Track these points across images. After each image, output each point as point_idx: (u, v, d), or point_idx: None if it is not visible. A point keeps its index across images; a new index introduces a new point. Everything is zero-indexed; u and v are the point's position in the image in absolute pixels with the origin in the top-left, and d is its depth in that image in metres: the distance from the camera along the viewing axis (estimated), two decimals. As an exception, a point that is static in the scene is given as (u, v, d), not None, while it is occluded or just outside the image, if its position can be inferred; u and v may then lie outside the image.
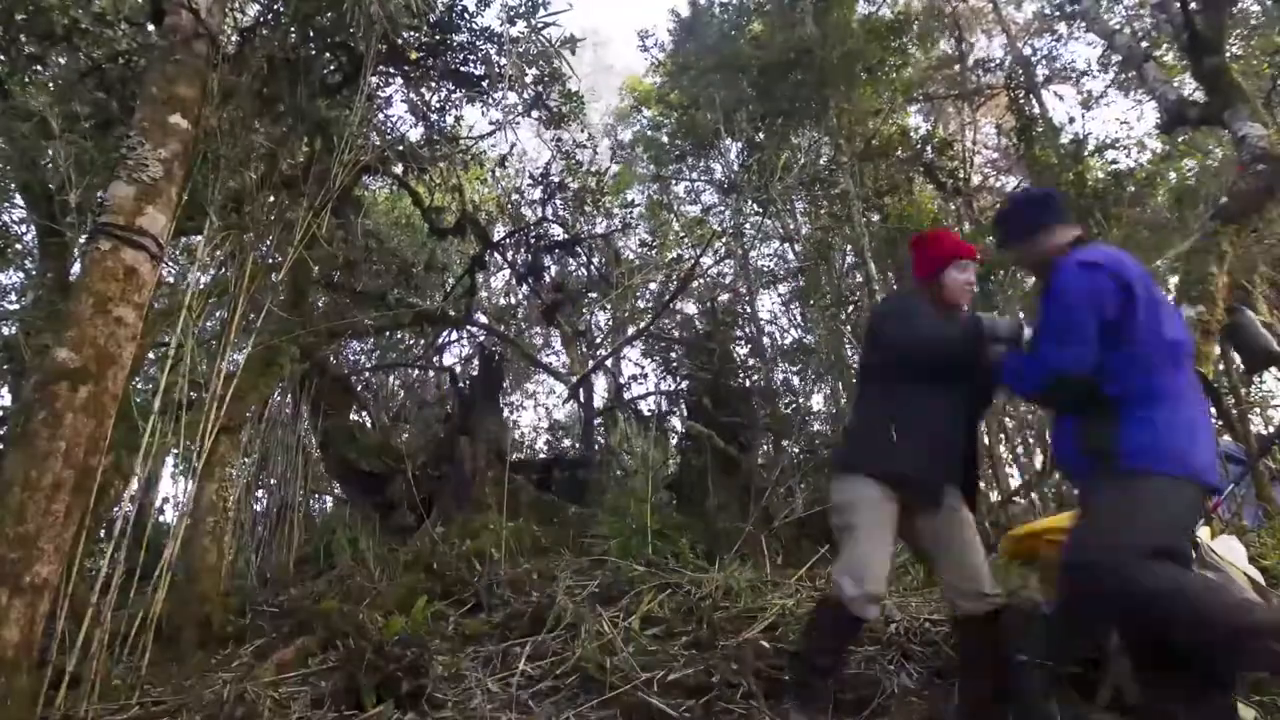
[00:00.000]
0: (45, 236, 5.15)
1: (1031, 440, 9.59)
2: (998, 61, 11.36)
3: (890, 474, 2.48)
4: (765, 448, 7.11)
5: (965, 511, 2.60)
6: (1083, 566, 2.07)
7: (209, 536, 4.40)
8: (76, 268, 5.05)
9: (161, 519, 7.37)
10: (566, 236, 8.07)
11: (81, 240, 4.21)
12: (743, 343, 9.04)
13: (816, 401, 9.04)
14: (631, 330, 9.18)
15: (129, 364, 2.98)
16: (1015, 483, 8.36)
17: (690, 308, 9.40)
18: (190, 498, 4.26)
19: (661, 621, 3.61)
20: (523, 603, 3.93)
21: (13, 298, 7.38)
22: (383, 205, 9.42)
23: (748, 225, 9.34)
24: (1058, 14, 10.63)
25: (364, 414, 8.34)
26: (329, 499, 8.56)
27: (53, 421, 2.63)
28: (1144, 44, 8.04)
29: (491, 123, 7.74)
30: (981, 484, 2.88)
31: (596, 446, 8.20)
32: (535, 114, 6.85)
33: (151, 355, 5.51)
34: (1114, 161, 9.18)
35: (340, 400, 7.06)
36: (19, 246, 6.54)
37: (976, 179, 10.97)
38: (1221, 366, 4.81)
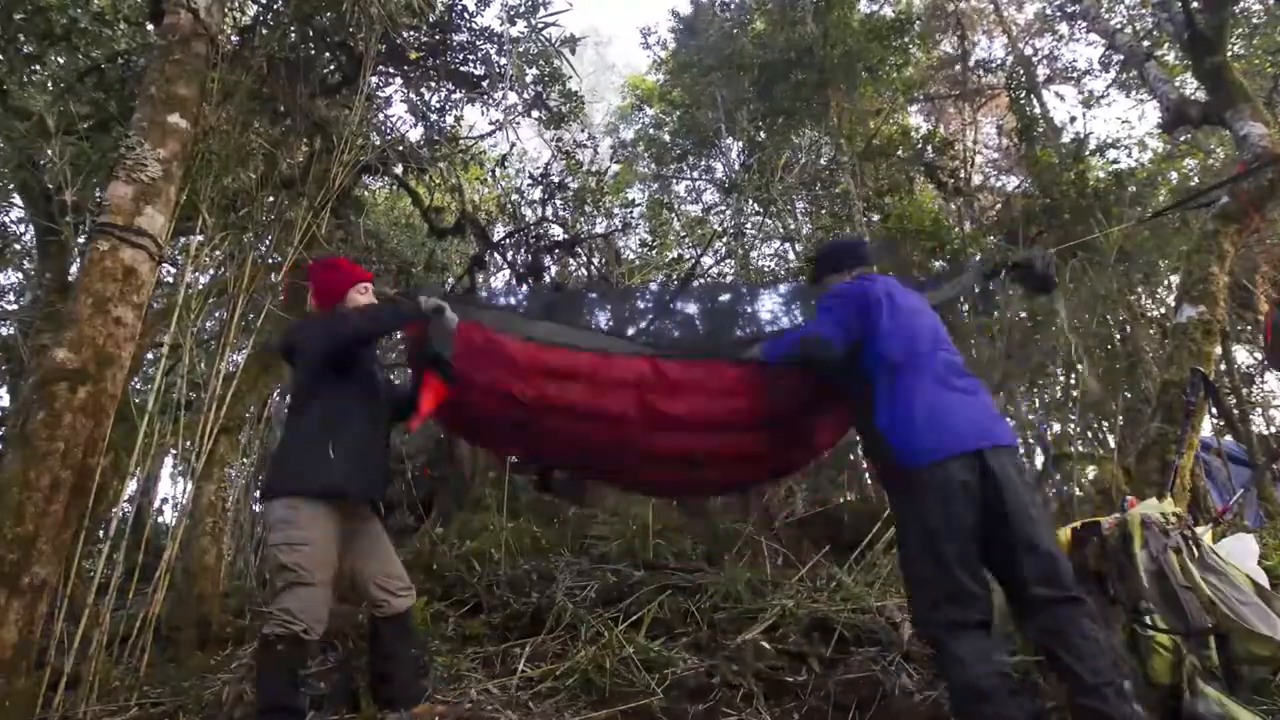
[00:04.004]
0: (44, 236, 5.15)
1: (1032, 440, 9.58)
2: (999, 61, 11.35)
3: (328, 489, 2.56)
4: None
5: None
6: None
7: (208, 537, 4.39)
8: (75, 268, 5.05)
9: (160, 519, 7.38)
10: (566, 236, 8.05)
11: (80, 240, 4.21)
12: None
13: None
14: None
15: (128, 364, 2.97)
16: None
17: (691, 307, 9.37)
18: (189, 498, 4.25)
19: (662, 622, 3.60)
20: (522, 604, 3.92)
21: (11, 298, 7.39)
22: (383, 205, 9.41)
23: (749, 225, 9.33)
24: (1059, 14, 10.62)
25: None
26: (329, 499, 8.53)
27: (51, 422, 2.63)
28: (1145, 43, 8.03)
29: (491, 123, 7.74)
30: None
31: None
32: (535, 114, 6.84)
33: (151, 355, 5.50)
34: (1115, 161, 9.18)
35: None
36: (18, 246, 6.54)
37: (977, 179, 10.96)
38: (1223, 366, 4.81)
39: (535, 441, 3.03)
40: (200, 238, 4.01)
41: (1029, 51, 11.34)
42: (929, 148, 9.54)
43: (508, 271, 8.32)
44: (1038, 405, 8.63)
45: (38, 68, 4.80)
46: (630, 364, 2.88)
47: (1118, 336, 7.64)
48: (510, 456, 3.17)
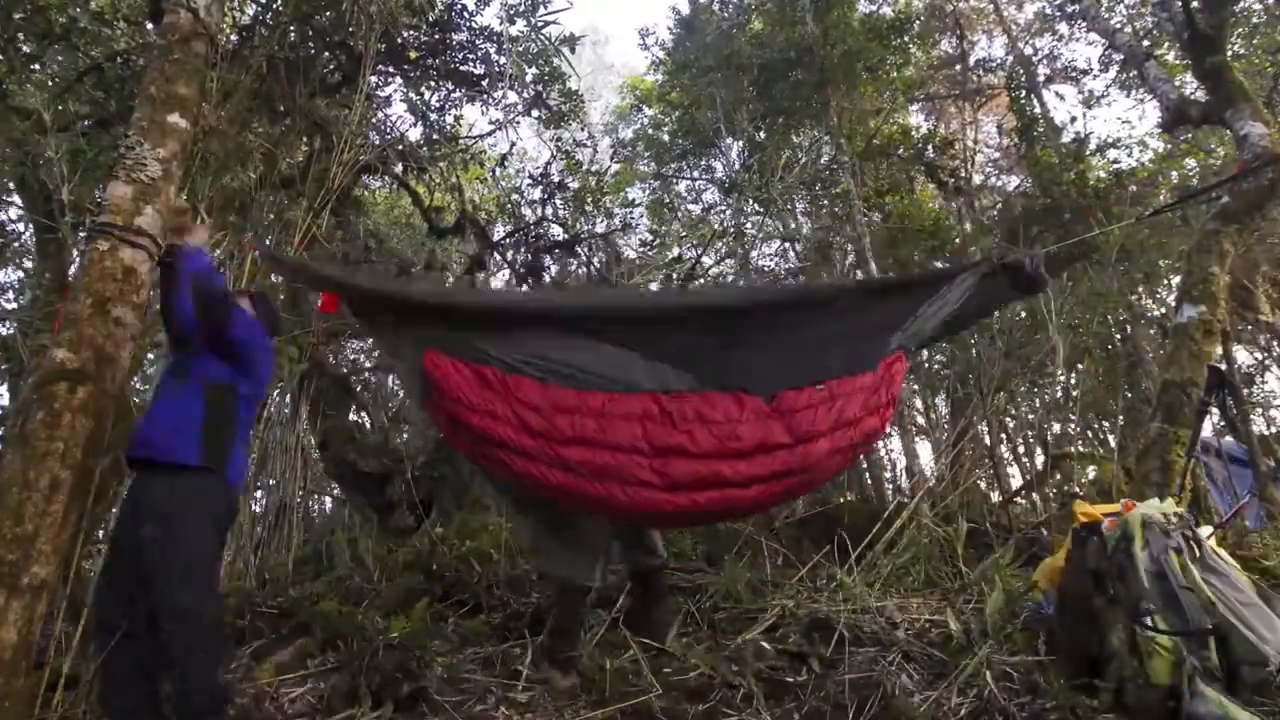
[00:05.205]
0: (43, 235, 5.14)
1: (1032, 440, 9.59)
2: (999, 61, 11.36)
3: None
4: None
5: None
6: None
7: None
8: (75, 267, 5.04)
9: (161, 519, 7.33)
10: (566, 236, 8.05)
11: (80, 239, 4.20)
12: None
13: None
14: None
15: (128, 364, 2.96)
16: (1016, 483, 8.36)
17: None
18: (189, 498, 4.23)
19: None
20: (522, 604, 3.92)
21: (10, 297, 7.38)
22: (383, 205, 9.41)
23: (749, 225, 9.33)
24: (1059, 13, 10.62)
25: (364, 414, 8.33)
26: (328, 499, 8.54)
27: (51, 422, 2.62)
28: (1145, 43, 8.03)
29: (491, 122, 7.73)
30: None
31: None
32: (535, 113, 6.84)
33: (151, 355, 5.49)
34: (1115, 161, 9.20)
35: (340, 400, 7.03)
36: (17, 245, 6.54)
37: (978, 178, 10.97)
38: (1223, 366, 4.81)
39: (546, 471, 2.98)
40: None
41: (1029, 51, 11.35)
42: (929, 147, 9.54)
43: (508, 271, 8.32)
44: (1038, 405, 8.64)
45: (37, 67, 4.80)
46: (637, 400, 2.91)
47: (1118, 336, 7.64)
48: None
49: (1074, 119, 18.76)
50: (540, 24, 6.17)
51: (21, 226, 6.68)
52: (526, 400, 2.86)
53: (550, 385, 2.91)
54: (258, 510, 6.33)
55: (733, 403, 2.89)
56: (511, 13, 6.10)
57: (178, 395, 2.61)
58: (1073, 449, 7.09)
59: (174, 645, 2.33)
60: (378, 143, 5.82)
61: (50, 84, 4.79)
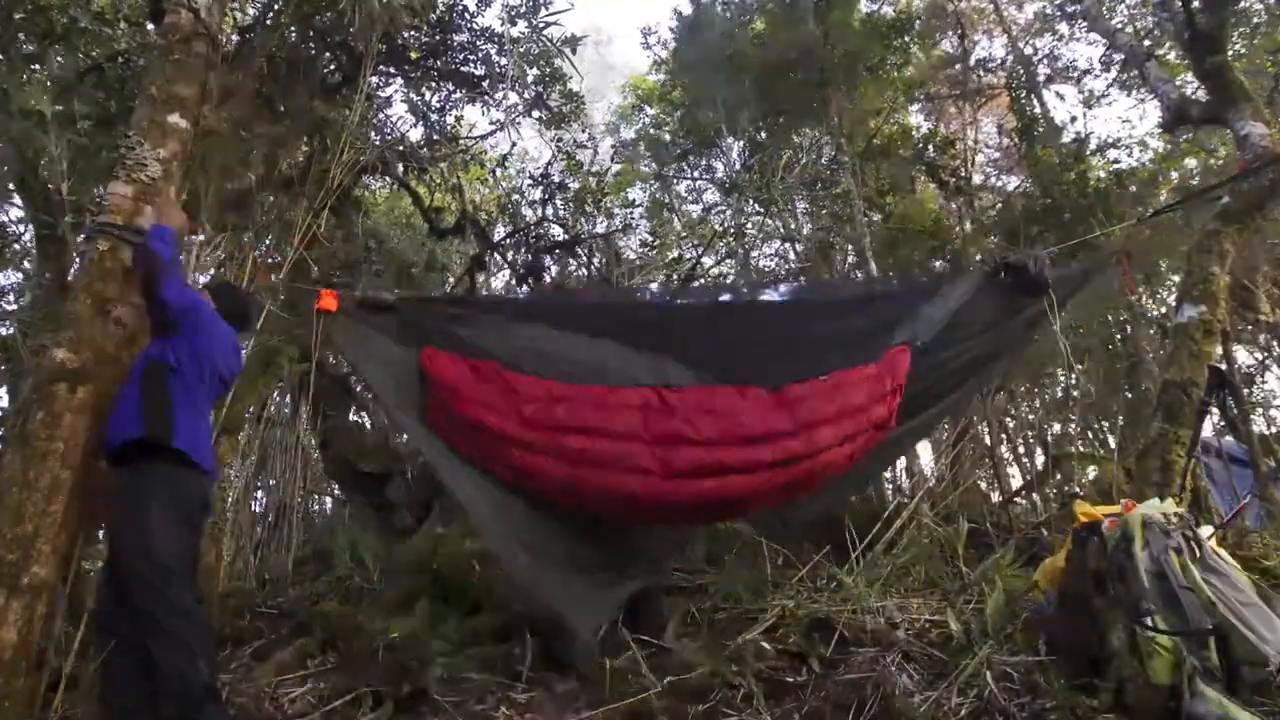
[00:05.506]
0: (43, 236, 5.14)
1: (1032, 440, 9.58)
2: (999, 61, 11.34)
3: None
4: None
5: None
6: None
7: (208, 537, 4.37)
8: (75, 268, 5.04)
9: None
10: (567, 237, 8.05)
11: (80, 240, 4.20)
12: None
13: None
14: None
15: (128, 364, 2.96)
16: (1016, 483, 8.35)
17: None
18: (189, 498, 4.23)
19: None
20: (522, 603, 3.92)
21: (11, 298, 7.37)
22: (383, 205, 9.41)
23: (749, 225, 9.33)
24: (1059, 13, 10.60)
25: (364, 414, 8.33)
26: (328, 500, 8.54)
27: (51, 422, 2.62)
28: (1146, 43, 8.01)
29: (492, 123, 7.74)
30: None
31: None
32: (536, 114, 6.84)
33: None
34: (1116, 161, 9.18)
35: (340, 400, 7.03)
36: (17, 247, 6.54)
37: (978, 178, 10.95)
38: (1223, 366, 4.80)
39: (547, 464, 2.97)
40: (200, 238, 4.01)
41: (1029, 51, 11.33)
42: (929, 147, 9.53)
43: (508, 272, 8.33)
44: (1038, 405, 8.64)
45: (37, 66, 4.80)
46: (637, 392, 2.93)
47: (1118, 336, 7.64)
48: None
49: (1074, 119, 18.67)
50: (542, 25, 6.17)
51: (22, 228, 6.69)
52: (524, 392, 2.88)
53: (548, 379, 2.93)
54: (258, 510, 6.33)
55: (735, 394, 2.91)
56: (513, 14, 6.10)
57: (125, 385, 2.66)
58: (1073, 449, 7.08)
59: (146, 639, 2.33)
60: (378, 143, 5.82)
61: (50, 84, 4.79)
